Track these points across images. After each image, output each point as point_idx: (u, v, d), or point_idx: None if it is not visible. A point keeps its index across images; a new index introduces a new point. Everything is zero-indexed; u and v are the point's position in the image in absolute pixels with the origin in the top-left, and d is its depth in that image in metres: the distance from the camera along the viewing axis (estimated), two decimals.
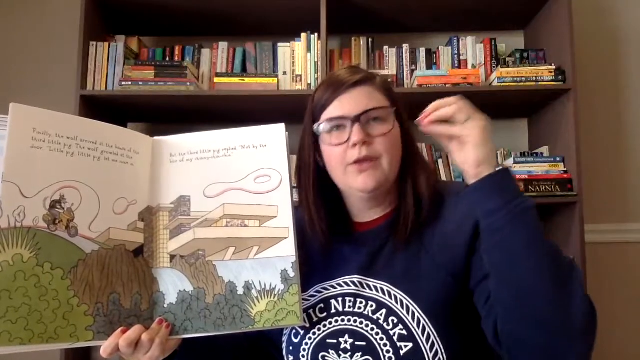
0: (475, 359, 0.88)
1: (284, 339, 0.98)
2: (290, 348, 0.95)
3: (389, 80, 2.03)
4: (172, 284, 0.88)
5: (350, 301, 0.92)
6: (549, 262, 0.76)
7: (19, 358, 0.97)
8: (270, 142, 0.93)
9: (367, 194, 0.94)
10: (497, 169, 0.81)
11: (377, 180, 0.91)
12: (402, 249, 0.93)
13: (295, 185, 1.00)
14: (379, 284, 0.90)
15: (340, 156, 0.92)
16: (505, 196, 0.80)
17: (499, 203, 0.79)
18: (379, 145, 0.91)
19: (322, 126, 0.94)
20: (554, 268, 0.76)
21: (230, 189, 0.91)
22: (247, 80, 2.08)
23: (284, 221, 0.90)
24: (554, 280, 0.75)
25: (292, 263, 0.87)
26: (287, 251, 0.88)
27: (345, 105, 0.92)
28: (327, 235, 0.97)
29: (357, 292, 0.92)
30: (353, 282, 0.93)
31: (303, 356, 0.92)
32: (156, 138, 0.95)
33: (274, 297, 0.87)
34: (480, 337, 0.86)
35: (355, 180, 0.92)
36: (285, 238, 0.89)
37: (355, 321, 0.90)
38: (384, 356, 0.86)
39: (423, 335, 0.86)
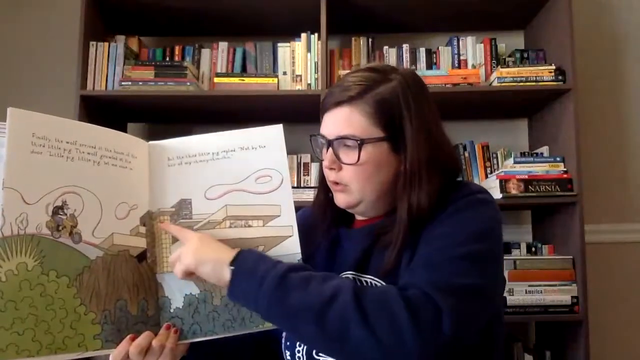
0: (471, 350, 0.85)
1: (283, 334, 0.97)
2: (288, 343, 0.95)
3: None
4: (177, 289, 0.88)
5: None
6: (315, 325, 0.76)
7: None
8: (269, 142, 0.93)
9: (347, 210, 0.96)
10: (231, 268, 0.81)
11: (348, 202, 0.93)
12: (396, 245, 0.90)
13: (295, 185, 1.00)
14: (370, 279, 0.90)
15: (324, 170, 0.96)
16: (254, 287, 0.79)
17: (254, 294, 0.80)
18: (347, 173, 0.90)
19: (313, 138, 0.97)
20: (321, 329, 0.75)
21: (232, 191, 0.91)
22: (247, 80, 2.08)
23: (288, 220, 0.90)
24: (330, 338, 0.75)
25: (298, 260, 0.88)
26: (292, 249, 0.89)
27: (327, 124, 0.93)
28: (332, 232, 0.99)
29: None
30: (348, 279, 0.91)
31: (298, 351, 0.93)
32: (152, 142, 0.93)
33: None
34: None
35: (334, 196, 0.95)
36: (290, 236, 0.90)
37: None
38: None
39: None
